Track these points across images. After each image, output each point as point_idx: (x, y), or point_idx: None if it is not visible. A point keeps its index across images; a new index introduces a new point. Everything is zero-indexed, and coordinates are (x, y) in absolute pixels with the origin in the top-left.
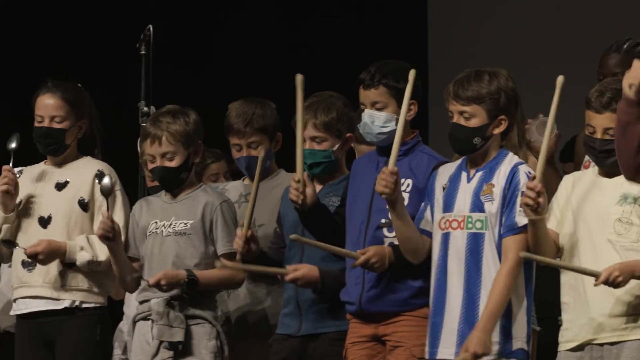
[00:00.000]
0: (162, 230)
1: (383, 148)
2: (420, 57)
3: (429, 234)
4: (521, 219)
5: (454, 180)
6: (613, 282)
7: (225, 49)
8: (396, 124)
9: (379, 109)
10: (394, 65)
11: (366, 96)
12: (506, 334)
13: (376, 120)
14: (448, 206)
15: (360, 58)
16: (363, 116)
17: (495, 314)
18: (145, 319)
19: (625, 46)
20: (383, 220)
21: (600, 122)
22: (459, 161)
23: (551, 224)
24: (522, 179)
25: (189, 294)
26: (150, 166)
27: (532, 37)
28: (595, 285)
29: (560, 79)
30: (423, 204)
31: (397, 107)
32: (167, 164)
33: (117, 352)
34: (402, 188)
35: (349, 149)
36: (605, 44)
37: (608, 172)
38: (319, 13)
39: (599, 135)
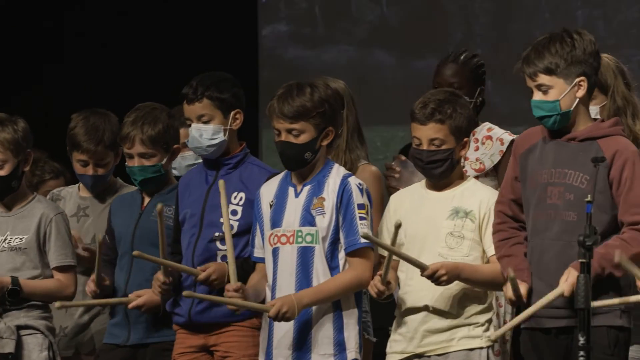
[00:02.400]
0: None
1: (211, 161)
2: (250, 68)
3: (263, 260)
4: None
5: (281, 196)
6: (438, 279)
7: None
8: (224, 135)
9: (205, 122)
10: (215, 77)
11: (191, 111)
12: (340, 346)
13: (204, 133)
14: (276, 222)
15: (190, 69)
16: (190, 131)
17: (320, 297)
18: None
19: (462, 57)
20: (216, 234)
21: (425, 133)
22: (281, 175)
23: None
24: (355, 192)
25: (12, 302)
26: None
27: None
28: (422, 276)
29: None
30: (252, 231)
31: (224, 118)
32: None
33: None
34: (235, 201)
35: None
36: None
37: (436, 184)
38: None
39: (425, 147)
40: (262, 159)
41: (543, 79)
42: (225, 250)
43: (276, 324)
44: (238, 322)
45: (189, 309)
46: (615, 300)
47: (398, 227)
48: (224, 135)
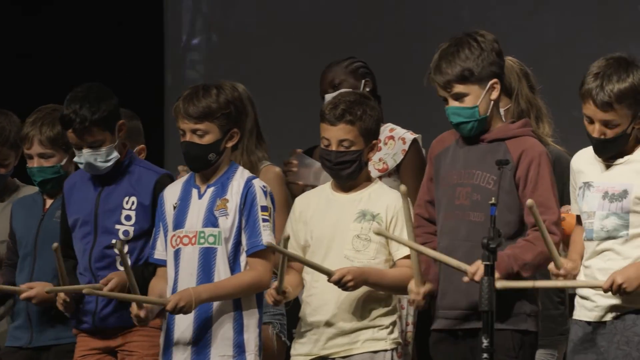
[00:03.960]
0: None
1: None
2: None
3: (164, 262)
4: (266, 239)
5: (185, 198)
6: (344, 285)
7: None
8: (117, 150)
9: (97, 147)
10: (92, 97)
11: (83, 138)
12: (239, 347)
13: (98, 157)
14: (179, 223)
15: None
16: (81, 157)
17: (219, 293)
18: None
19: (345, 63)
20: (113, 241)
21: (335, 134)
22: (185, 178)
23: (292, 249)
24: (259, 194)
25: None
26: None
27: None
28: (329, 282)
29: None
30: (154, 233)
31: (112, 135)
32: None
33: None
34: (128, 206)
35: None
36: None
37: (344, 186)
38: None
39: (334, 148)
40: (166, 163)
41: (458, 87)
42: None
43: (176, 321)
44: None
45: (92, 314)
46: (521, 283)
47: (286, 240)
48: (117, 151)
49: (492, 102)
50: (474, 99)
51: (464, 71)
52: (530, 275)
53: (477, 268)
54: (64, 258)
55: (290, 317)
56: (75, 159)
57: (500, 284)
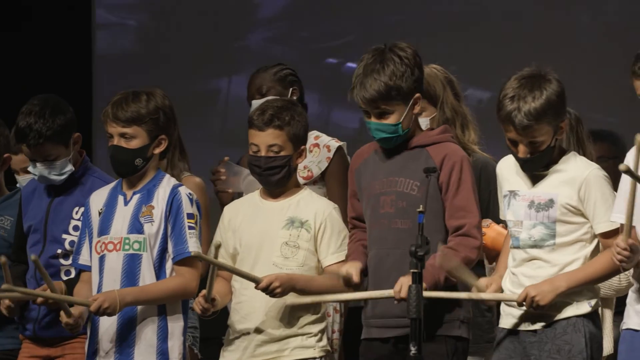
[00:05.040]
0: None
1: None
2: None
3: (89, 268)
4: (192, 246)
5: (111, 204)
6: (272, 292)
7: None
8: (71, 163)
9: (52, 161)
10: (47, 110)
11: (37, 153)
12: (163, 355)
13: (52, 170)
14: (104, 229)
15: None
16: (35, 169)
17: (144, 297)
18: None
19: (274, 70)
20: (59, 251)
21: (264, 140)
22: (112, 184)
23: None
24: (185, 202)
25: None
26: None
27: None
28: (256, 289)
29: None
30: (79, 239)
31: (66, 149)
32: None
33: None
34: (77, 217)
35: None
36: None
37: (272, 193)
38: None
39: (263, 153)
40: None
41: (383, 105)
42: (68, 265)
43: (100, 326)
44: (82, 335)
45: (34, 323)
46: (445, 294)
47: (217, 247)
48: (71, 163)
49: (414, 115)
50: (398, 115)
51: (390, 90)
52: (457, 281)
53: (400, 286)
54: (19, 263)
55: (219, 325)
56: (30, 169)
57: (426, 293)
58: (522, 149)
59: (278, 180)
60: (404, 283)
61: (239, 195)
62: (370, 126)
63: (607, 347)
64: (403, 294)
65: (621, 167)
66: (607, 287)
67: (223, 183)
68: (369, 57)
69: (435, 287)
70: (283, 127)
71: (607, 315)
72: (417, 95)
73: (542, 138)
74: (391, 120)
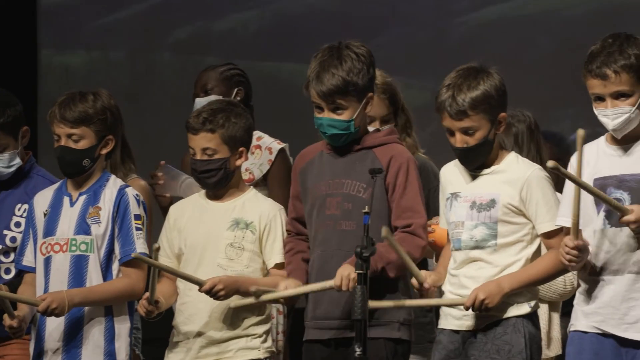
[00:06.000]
0: None
1: None
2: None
3: (33, 269)
4: (139, 247)
5: (56, 205)
6: (215, 294)
7: None
8: (19, 157)
9: (0, 152)
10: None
11: None
12: (110, 356)
13: (1, 163)
14: (50, 231)
15: None
16: None
17: (92, 298)
18: None
19: (221, 69)
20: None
21: (198, 143)
22: (56, 185)
23: (167, 257)
24: (132, 203)
25: None
26: None
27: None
28: (200, 291)
29: None
30: (22, 240)
31: (15, 141)
32: None
33: None
34: (19, 213)
35: None
36: None
37: (217, 194)
38: None
39: (198, 156)
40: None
41: (339, 99)
42: (8, 263)
43: (47, 327)
44: (25, 335)
45: None
46: (391, 303)
47: (157, 250)
48: (19, 157)
49: (365, 114)
50: (352, 112)
51: (348, 85)
52: (395, 274)
53: (340, 278)
54: None
55: (163, 326)
56: None
57: (371, 304)
58: (458, 138)
59: (215, 182)
60: (344, 275)
61: (178, 199)
62: (322, 122)
63: (555, 347)
64: (344, 286)
65: (549, 163)
66: (552, 292)
67: (161, 187)
68: (324, 53)
69: (372, 276)
70: (215, 130)
71: (554, 317)
72: (370, 94)
73: (476, 126)
74: (344, 116)
